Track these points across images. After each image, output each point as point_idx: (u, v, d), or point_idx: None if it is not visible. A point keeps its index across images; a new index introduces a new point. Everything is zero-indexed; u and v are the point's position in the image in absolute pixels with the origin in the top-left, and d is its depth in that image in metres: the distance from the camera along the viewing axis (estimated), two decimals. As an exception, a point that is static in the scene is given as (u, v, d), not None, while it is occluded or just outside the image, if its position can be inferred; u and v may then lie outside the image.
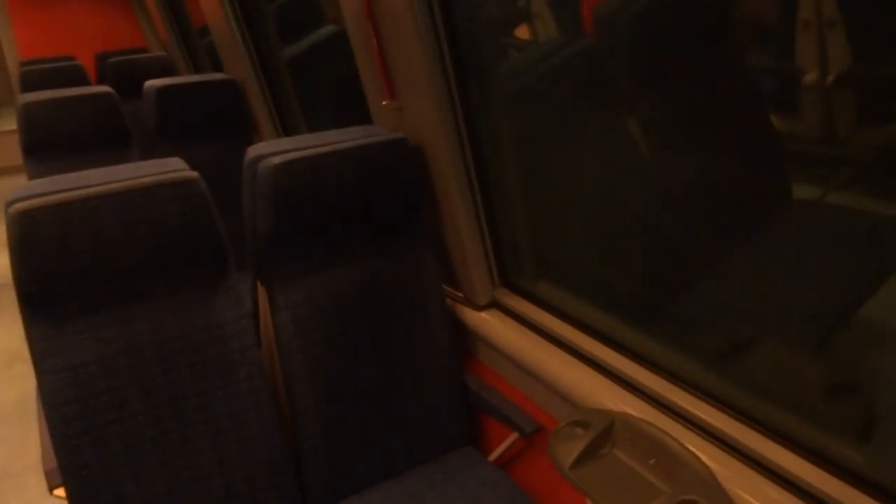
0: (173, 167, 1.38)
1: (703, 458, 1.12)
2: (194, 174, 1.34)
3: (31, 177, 2.57)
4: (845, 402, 1.24)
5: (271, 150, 1.47)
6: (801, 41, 1.77)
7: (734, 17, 1.89)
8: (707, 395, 1.21)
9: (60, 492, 1.32)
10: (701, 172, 1.80)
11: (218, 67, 3.68)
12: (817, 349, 1.45)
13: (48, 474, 1.36)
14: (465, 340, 1.70)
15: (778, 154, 1.96)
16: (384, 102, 1.61)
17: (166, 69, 3.84)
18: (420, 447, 1.62)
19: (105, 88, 2.65)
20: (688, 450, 1.13)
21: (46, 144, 2.57)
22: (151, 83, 2.59)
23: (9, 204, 1.25)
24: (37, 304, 1.27)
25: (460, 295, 1.70)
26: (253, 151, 1.48)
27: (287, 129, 2.92)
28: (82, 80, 3.71)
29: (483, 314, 1.65)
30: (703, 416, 1.17)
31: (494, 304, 1.67)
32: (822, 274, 1.66)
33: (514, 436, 1.58)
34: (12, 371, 3.16)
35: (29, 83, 3.65)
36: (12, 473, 2.44)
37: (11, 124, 7.90)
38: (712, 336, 1.46)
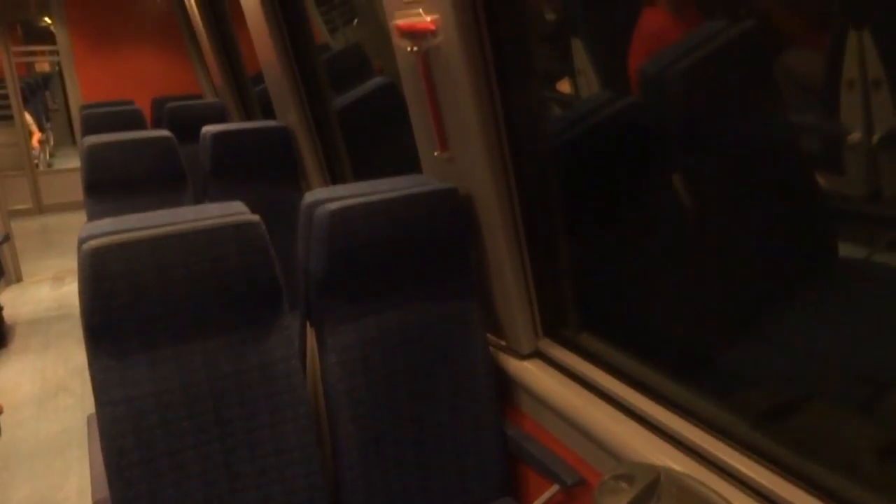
0: (235, 210, 1.44)
1: (752, 517, 1.11)
2: (255, 217, 1.41)
3: (91, 214, 2.69)
4: (898, 465, 1.22)
5: (327, 196, 1.53)
6: (846, 100, 1.79)
7: (780, 77, 1.92)
8: (754, 451, 1.20)
9: (109, 522, 1.35)
10: (746, 229, 1.81)
11: (268, 114, 3.83)
12: (868, 410, 1.43)
13: (97, 504, 1.39)
14: (506, 389, 1.71)
15: (823, 212, 1.96)
16: (435, 153, 1.66)
17: (219, 115, 4.00)
18: (458, 494, 1.62)
19: (164, 133, 2.78)
20: (735, 508, 1.12)
21: (106, 184, 2.69)
22: (208, 129, 2.71)
23: (82, 241, 1.32)
24: (101, 337, 1.32)
25: (503, 343, 1.72)
26: (310, 197, 1.54)
27: (334, 176, 3.01)
28: (140, 124, 3.88)
29: (526, 363, 1.67)
30: (750, 474, 1.16)
31: (537, 354, 1.68)
32: (870, 334, 1.64)
33: (554, 488, 1.56)
34: (57, 402, 3.24)
35: (90, 125, 3.83)
36: (53, 502, 2.48)
37: (66, 164, 8.26)
38: (759, 393, 1.46)
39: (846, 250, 1.87)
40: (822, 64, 1.83)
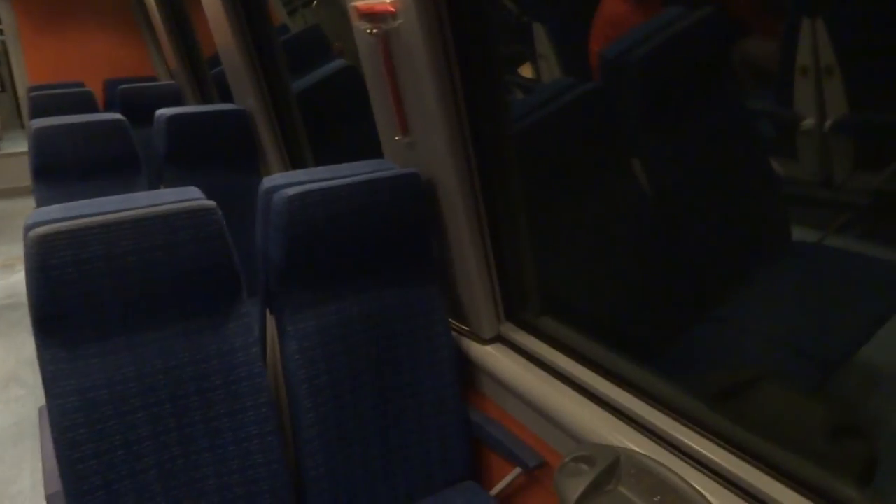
0: (190, 196, 1.41)
1: (708, 496, 1.13)
2: (211, 203, 1.37)
3: (39, 200, 2.60)
4: (847, 443, 1.26)
5: (286, 181, 1.51)
6: (800, 87, 1.83)
7: (737, 63, 1.95)
8: (711, 432, 1.23)
9: (62, 516, 1.31)
10: (703, 212, 1.84)
11: (225, 97, 3.75)
12: (818, 390, 1.48)
13: (50, 498, 1.36)
14: (469, 374, 1.71)
15: (778, 196, 2.00)
16: (397, 137, 1.64)
17: (175, 98, 3.89)
18: (422, 480, 1.62)
19: (117, 116, 2.69)
20: (693, 488, 1.14)
21: (56, 169, 2.60)
22: (162, 111, 2.63)
23: (28, 228, 1.27)
24: (50, 327, 1.28)
25: (466, 328, 1.72)
26: (268, 182, 1.51)
27: (294, 161, 2.96)
28: (91, 107, 3.75)
29: (488, 348, 1.67)
30: (707, 454, 1.19)
31: (499, 339, 1.69)
32: (821, 315, 1.69)
33: (516, 470, 1.58)
34: (8, 394, 3.14)
35: (38, 108, 3.69)
36: (6, 496, 2.42)
37: (14, 147, 7.96)
38: (715, 373, 1.49)
39: (799, 234, 1.92)
40: (777, 51, 1.86)
